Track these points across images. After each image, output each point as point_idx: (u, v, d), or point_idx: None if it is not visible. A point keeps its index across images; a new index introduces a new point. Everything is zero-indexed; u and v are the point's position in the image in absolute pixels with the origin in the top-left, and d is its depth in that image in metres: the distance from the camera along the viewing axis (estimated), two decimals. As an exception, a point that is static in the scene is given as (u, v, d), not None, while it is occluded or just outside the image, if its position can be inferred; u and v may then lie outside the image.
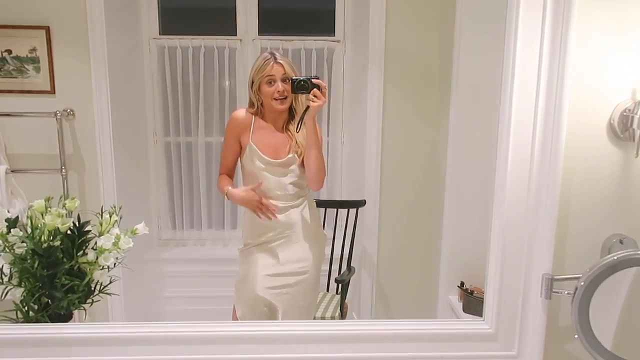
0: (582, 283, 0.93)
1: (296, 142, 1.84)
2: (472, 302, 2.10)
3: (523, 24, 0.96)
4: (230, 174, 1.94)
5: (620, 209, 1.06)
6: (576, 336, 0.95)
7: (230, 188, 1.87)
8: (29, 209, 1.23)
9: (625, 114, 1.01)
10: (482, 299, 2.01)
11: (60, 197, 1.28)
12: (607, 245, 1.05)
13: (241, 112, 1.90)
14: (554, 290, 0.99)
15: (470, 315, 2.09)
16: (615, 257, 0.92)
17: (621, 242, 1.03)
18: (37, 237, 1.17)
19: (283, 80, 1.77)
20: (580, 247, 1.07)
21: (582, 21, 0.97)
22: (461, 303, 2.16)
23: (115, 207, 1.31)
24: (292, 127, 1.86)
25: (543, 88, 0.97)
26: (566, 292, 0.99)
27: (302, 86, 1.70)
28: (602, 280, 0.92)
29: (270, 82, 1.78)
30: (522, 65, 0.97)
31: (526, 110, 0.99)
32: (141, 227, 1.31)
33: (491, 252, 1.04)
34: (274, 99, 1.79)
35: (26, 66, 2.16)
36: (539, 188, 1.00)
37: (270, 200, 1.85)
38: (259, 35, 2.64)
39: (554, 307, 1.06)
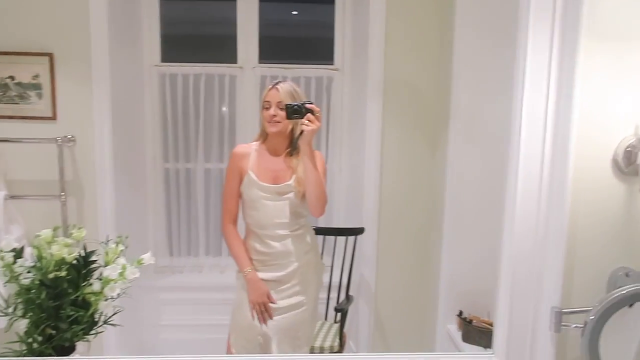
0: (592, 317, 0.94)
1: (297, 171, 1.86)
2: (472, 331, 2.10)
3: (531, 63, 0.99)
4: (235, 221, 1.94)
5: (626, 242, 1.08)
6: (587, 370, 0.96)
7: (250, 270, 1.87)
8: (35, 238, 1.22)
9: (629, 149, 1.04)
10: (482, 328, 2.04)
11: (68, 227, 1.27)
12: (614, 278, 1.06)
13: (239, 148, 1.94)
14: (562, 323, 0.99)
15: (470, 345, 2.09)
16: (625, 292, 0.94)
17: (627, 275, 1.05)
18: (45, 268, 1.16)
19: (277, 106, 1.81)
20: (587, 279, 1.09)
21: (587, 60, 1.00)
22: (460, 332, 2.16)
23: (122, 237, 1.30)
24: (294, 155, 1.88)
25: (550, 123, 1.00)
26: (574, 325, 1.00)
27: (295, 111, 1.74)
28: (612, 314, 0.94)
29: (267, 107, 1.83)
30: (530, 101, 1.00)
31: (534, 144, 1.01)
32: (147, 257, 1.31)
33: (501, 284, 1.04)
34: (268, 122, 1.83)
35: (28, 92, 2.17)
36: (547, 221, 1.01)
37: (270, 231, 1.86)
38: (259, 62, 2.68)
39: (562, 340, 1.07)
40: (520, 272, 1.02)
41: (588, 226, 1.08)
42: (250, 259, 1.89)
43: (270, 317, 1.85)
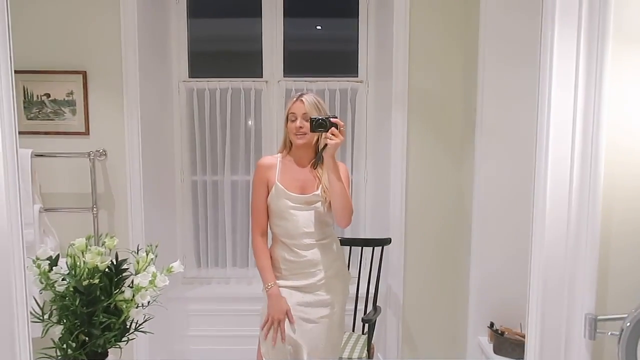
0: (629, 324, 0.91)
1: (323, 181, 1.88)
2: (504, 343, 2.05)
3: (557, 68, 0.98)
4: (265, 233, 1.96)
5: (662, 247, 1.04)
6: (624, 379, 0.93)
7: (272, 285, 1.88)
8: (69, 247, 1.26)
9: (662, 152, 1.02)
10: (514, 340, 1.99)
11: (100, 235, 1.30)
12: (650, 284, 1.03)
13: (265, 159, 1.96)
14: (598, 330, 0.97)
15: (501, 358, 2.04)
16: (662, 297, 0.91)
17: (664, 281, 1.02)
18: (79, 275, 1.19)
19: (303, 118, 1.83)
20: (622, 286, 1.06)
21: (615, 61, 0.99)
22: (491, 344, 2.11)
23: (152, 246, 1.33)
24: (319, 166, 1.90)
25: (579, 129, 0.99)
26: (610, 333, 0.97)
27: (320, 124, 1.76)
28: (650, 320, 0.91)
29: (293, 119, 1.86)
30: (558, 107, 0.99)
31: (563, 151, 1.00)
32: (177, 266, 1.33)
33: (531, 292, 1.03)
34: (294, 134, 1.85)
35: (63, 109, 2.25)
36: (579, 227, 0.99)
37: (298, 240, 1.87)
38: (284, 76, 2.72)
39: (598, 348, 1.04)
40: (552, 279, 1.00)
41: (622, 231, 1.05)
42: (278, 269, 1.90)
43: (283, 339, 1.84)
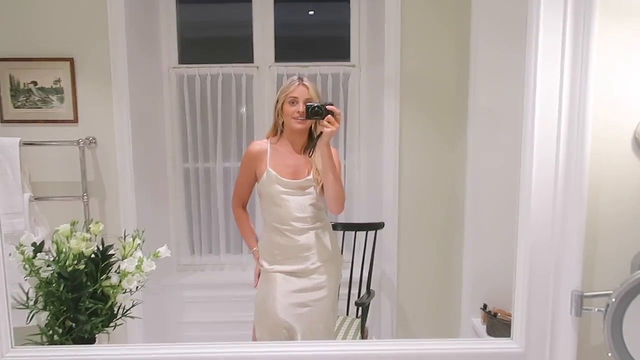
0: (614, 299, 0.91)
1: (316, 167, 1.87)
2: (497, 325, 2.05)
3: (543, 41, 0.96)
4: (245, 205, 2.04)
5: (649, 224, 1.04)
6: (610, 354, 0.92)
7: (257, 249, 2.00)
8: (54, 233, 1.25)
9: (649, 127, 1.00)
10: (507, 321, 1.99)
11: (85, 222, 1.29)
12: (637, 261, 1.02)
13: (256, 145, 1.95)
14: (584, 307, 0.96)
15: (495, 339, 2.04)
16: (647, 272, 0.90)
17: (651, 257, 1.01)
18: (63, 261, 1.18)
19: (305, 103, 1.81)
20: (610, 264, 1.05)
21: (602, 35, 0.97)
22: (485, 326, 2.12)
23: (138, 231, 1.32)
24: (311, 151, 1.90)
25: (565, 106, 0.97)
26: (597, 309, 0.97)
27: (315, 112, 1.74)
28: (634, 296, 0.90)
29: (293, 102, 1.84)
30: (543, 83, 0.98)
31: (549, 129, 0.98)
32: (163, 250, 1.32)
33: (518, 270, 1.02)
34: (294, 118, 1.82)
35: (51, 97, 2.22)
36: (565, 206, 0.98)
37: (291, 225, 1.86)
38: (275, 62, 2.69)
39: (585, 325, 1.04)
40: (539, 256, 0.99)
41: (609, 208, 1.04)
42: (272, 254, 1.91)
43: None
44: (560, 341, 1.00)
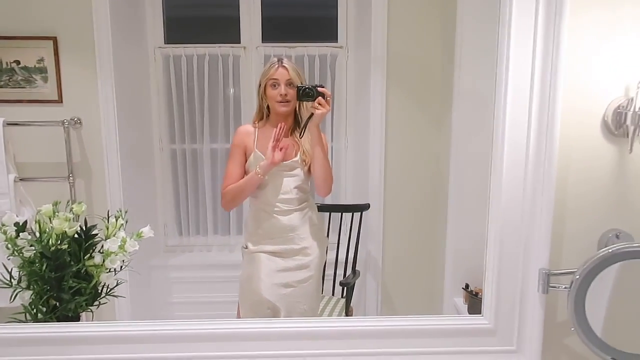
0: (577, 276, 0.94)
1: (303, 148, 1.88)
2: (477, 304, 2.08)
3: (515, 23, 0.98)
4: None
5: (617, 205, 1.07)
6: (572, 329, 0.96)
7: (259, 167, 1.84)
8: (37, 213, 1.26)
9: (619, 110, 1.03)
10: (487, 300, 2.04)
11: (68, 202, 1.30)
12: (604, 241, 1.06)
13: (245, 127, 1.96)
14: (551, 285, 1.00)
15: (468, 316, 2.09)
16: (610, 250, 0.94)
17: (617, 236, 1.04)
18: (45, 241, 1.20)
19: (287, 84, 1.81)
20: (578, 243, 1.09)
21: (573, 19, 0.99)
22: (466, 305, 2.17)
23: (121, 211, 1.33)
24: (298, 133, 1.90)
25: (536, 89, 0.99)
26: (563, 287, 1.00)
27: (307, 94, 1.74)
28: (597, 273, 0.94)
29: (274, 85, 1.84)
30: (515, 65, 0.99)
31: (520, 111, 1.00)
32: (146, 231, 1.34)
33: (488, 249, 1.05)
34: (277, 101, 1.83)
35: (34, 76, 2.20)
36: (535, 188, 1.01)
37: (276, 206, 1.87)
38: (262, 42, 2.68)
39: (552, 301, 1.07)
40: (508, 236, 1.03)
41: (578, 189, 1.07)
42: (256, 234, 1.92)
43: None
44: (528, 317, 1.04)
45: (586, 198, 1.07)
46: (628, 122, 1.01)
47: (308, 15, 2.84)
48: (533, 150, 1.00)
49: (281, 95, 1.82)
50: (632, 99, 1.02)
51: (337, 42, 2.69)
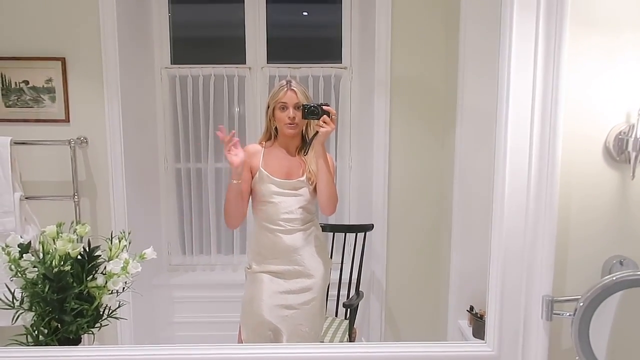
0: (581, 304, 0.93)
1: (309, 168, 1.89)
2: (482, 327, 2.08)
3: (516, 51, 0.98)
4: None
5: (620, 231, 1.06)
6: (577, 358, 0.95)
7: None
8: (41, 234, 1.26)
9: (620, 137, 1.03)
10: (491, 323, 2.02)
11: (72, 223, 1.31)
12: (608, 267, 1.05)
13: (253, 145, 1.97)
14: (555, 312, 0.99)
15: (481, 340, 2.07)
16: (614, 278, 0.93)
17: (621, 263, 1.04)
18: (49, 262, 1.20)
19: (295, 107, 1.83)
20: (582, 269, 1.08)
21: (574, 45, 0.99)
22: (471, 327, 2.14)
23: (124, 232, 1.33)
24: (305, 153, 1.91)
25: (537, 116, 0.99)
26: (567, 314, 0.99)
27: (312, 112, 1.77)
28: (601, 301, 0.93)
29: (283, 108, 1.86)
30: (516, 93, 1.00)
31: (521, 138, 1.00)
32: (149, 252, 1.34)
33: (491, 275, 1.04)
34: (285, 124, 1.84)
35: (42, 96, 2.23)
36: (537, 214, 1.01)
37: (280, 225, 1.87)
38: (267, 63, 2.71)
39: (556, 329, 1.06)
40: (511, 262, 1.02)
41: (581, 216, 1.07)
42: (260, 253, 1.92)
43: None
44: (532, 345, 1.03)
45: (589, 224, 1.06)
46: (630, 148, 1.01)
47: (312, 37, 2.88)
48: (535, 176, 0.99)
49: (289, 118, 1.84)
50: (633, 125, 1.03)
51: (341, 62, 2.72)
